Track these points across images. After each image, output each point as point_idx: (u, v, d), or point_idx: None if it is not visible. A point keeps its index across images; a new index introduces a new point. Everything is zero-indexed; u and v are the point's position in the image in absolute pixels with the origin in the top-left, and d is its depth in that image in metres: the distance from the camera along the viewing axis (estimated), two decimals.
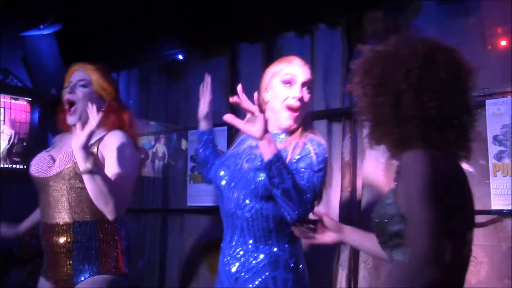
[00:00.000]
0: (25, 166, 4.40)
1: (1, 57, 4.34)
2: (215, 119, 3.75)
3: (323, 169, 1.97)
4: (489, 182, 2.62)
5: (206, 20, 3.62)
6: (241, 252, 1.95)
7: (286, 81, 1.99)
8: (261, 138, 1.78)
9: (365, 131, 1.65)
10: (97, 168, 1.99)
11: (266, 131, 1.79)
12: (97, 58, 4.39)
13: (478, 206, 2.55)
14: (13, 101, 4.38)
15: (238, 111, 3.62)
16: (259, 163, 1.93)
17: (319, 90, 3.27)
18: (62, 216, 2.17)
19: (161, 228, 4.01)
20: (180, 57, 4.08)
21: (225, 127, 3.64)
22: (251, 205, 1.93)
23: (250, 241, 1.94)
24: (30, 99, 4.48)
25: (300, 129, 2.03)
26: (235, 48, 3.71)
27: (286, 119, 1.99)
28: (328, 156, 2.02)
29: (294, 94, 1.96)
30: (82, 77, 2.35)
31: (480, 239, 2.66)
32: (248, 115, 1.98)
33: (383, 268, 2.69)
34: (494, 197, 2.61)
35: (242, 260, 1.94)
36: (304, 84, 1.99)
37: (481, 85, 2.69)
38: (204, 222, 3.76)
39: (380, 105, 1.46)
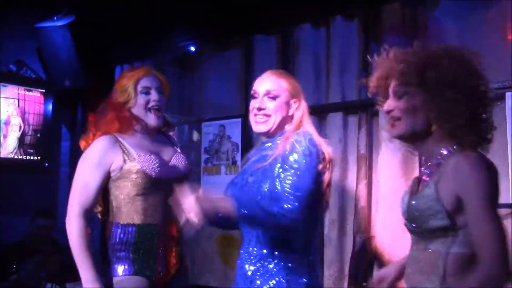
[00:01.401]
0: (38, 157, 4.44)
1: (15, 48, 4.36)
2: (230, 111, 3.78)
3: (317, 160, 1.96)
4: (509, 176, 2.60)
5: (221, 11, 3.61)
6: (257, 257, 1.99)
7: (252, 96, 2.16)
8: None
9: (397, 129, 1.66)
10: None
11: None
12: (110, 49, 4.43)
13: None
14: (27, 92, 4.39)
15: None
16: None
17: (335, 83, 3.26)
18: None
19: None
20: (193, 48, 4.07)
21: (240, 119, 3.64)
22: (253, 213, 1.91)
23: (265, 248, 1.98)
24: (44, 91, 4.49)
25: (289, 130, 2.08)
26: (250, 40, 3.69)
27: (254, 126, 2.13)
28: (319, 147, 1.99)
29: (255, 105, 2.10)
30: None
31: None
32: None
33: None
34: None
35: (258, 265, 1.98)
36: (265, 94, 2.09)
37: (501, 77, 2.68)
38: None
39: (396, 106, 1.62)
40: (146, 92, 2.28)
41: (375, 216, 3.04)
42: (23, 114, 4.36)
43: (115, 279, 2.20)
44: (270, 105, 2.08)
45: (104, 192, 2.26)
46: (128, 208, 2.23)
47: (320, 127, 3.26)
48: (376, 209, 3.04)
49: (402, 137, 1.68)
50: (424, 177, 1.67)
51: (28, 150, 4.39)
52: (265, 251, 1.97)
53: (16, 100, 4.32)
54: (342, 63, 3.25)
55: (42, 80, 4.51)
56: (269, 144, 2.09)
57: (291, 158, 1.93)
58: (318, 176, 1.96)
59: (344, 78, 3.24)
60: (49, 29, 4.19)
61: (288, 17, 3.47)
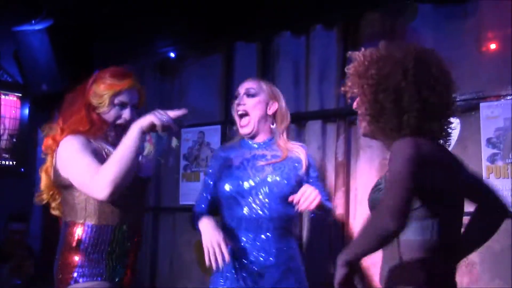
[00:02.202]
0: (14, 162, 4.37)
1: None
2: (209, 118, 3.78)
3: None
4: None
5: (202, 18, 3.62)
6: (266, 250, 2.20)
7: (235, 97, 2.38)
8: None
9: (362, 127, 1.74)
10: None
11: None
12: (89, 54, 4.40)
13: (471, 207, 2.61)
14: (3, 96, 4.33)
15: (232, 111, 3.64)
16: (274, 175, 2.25)
17: (314, 91, 3.29)
18: None
19: (152, 226, 3.99)
20: (172, 54, 4.06)
21: (219, 126, 3.64)
22: (276, 207, 2.21)
23: (273, 239, 2.21)
24: (20, 95, 4.42)
25: (281, 140, 2.34)
26: (231, 46, 3.70)
27: (240, 130, 2.35)
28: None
29: (238, 101, 2.32)
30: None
31: None
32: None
33: None
34: None
35: (266, 257, 2.20)
36: (246, 92, 2.32)
37: (476, 88, 2.74)
38: None
39: (381, 101, 1.62)
40: (121, 106, 2.15)
41: (352, 223, 3.07)
42: None
43: (82, 285, 2.03)
44: (248, 101, 2.30)
45: (72, 190, 2.08)
46: (105, 209, 2.06)
47: (299, 135, 3.29)
48: (354, 216, 3.07)
49: (364, 135, 1.75)
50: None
51: (4, 154, 4.32)
52: (272, 243, 2.22)
53: None
54: (322, 71, 3.28)
55: (18, 84, 4.44)
56: (261, 144, 2.33)
57: (313, 173, 2.32)
58: None
59: (323, 86, 3.27)
60: (27, 32, 4.13)
61: (269, 25, 3.49)
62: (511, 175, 2.62)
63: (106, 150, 2.14)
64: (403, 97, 1.60)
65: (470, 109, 2.76)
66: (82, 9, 4.04)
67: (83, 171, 1.99)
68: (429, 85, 1.60)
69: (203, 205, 2.35)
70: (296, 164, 2.28)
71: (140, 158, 2.15)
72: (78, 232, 2.06)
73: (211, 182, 2.36)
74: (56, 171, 2.10)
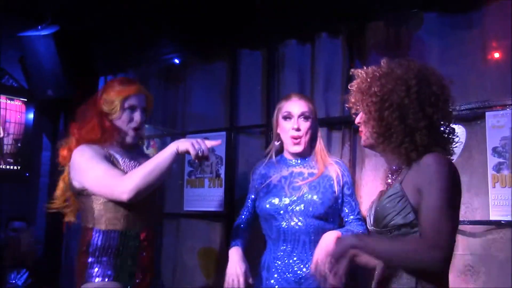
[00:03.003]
0: (19, 167, 4.38)
1: None
2: (214, 124, 3.78)
3: None
4: (488, 193, 2.66)
5: (207, 24, 3.63)
6: (304, 262, 2.36)
7: (284, 117, 2.50)
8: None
9: (364, 139, 1.82)
10: None
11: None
12: (94, 59, 4.41)
13: (476, 216, 2.62)
14: (8, 101, 4.34)
15: (237, 118, 3.65)
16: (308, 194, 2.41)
17: (319, 99, 3.29)
18: None
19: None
20: (177, 61, 4.07)
21: (224, 132, 3.65)
22: (312, 223, 2.37)
23: (310, 251, 2.35)
24: (26, 100, 4.44)
25: (320, 154, 2.51)
26: (236, 53, 3.70)
27: (291, 147, 2.49)
28: None
29: (294, 125, 2.46)
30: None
31: (478, 248, 2.70)
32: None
33: None
34: (492, 207, 2.64)
35: (304, 269, 2.35)
36: (301, 115, 2.46)
37: (481, 97, 2.74)
38: (200, 227, 3.75)
39: (387, 118, 1.65)
40: (132, 109, 2.34)
41: None
42: (4, 123, 4.30)
43: (93, 284, 2.19)
44: (303, 125, 2.46)
45: (83, 197, 2.25)
46: (110, 215, 2.22)
47: None
48: None
49: (366, 147, 1.84)
50: (388, 183, 1.84)
51: (8, 159, 4.33)
52: (311, 256, 2.35)
53: None
54: (327, 79, 3.28)
55: (24, 89, 4.46)
56: (298, 162, 2.51)
57: (347, 190, 2.48)
58: None
59: (328, 94, 3.28)
60: (33, 38, 4.16)
61: (274, 32, 3.50)
62: None
63: (113, 158, 2.21)
64: (408, 114, 1.63)
65: (475, 118, 2.76)
66: (88, 15, 4.06)
67: (103, 175, 2.14)
68: (431, 102, 1.64)
69: (243, 216, 2.64)
70: (332, 182, 2.42)
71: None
72: (88, 236, 2.23)
73: (253, 196, 2.61)
74: (69, 179, 2.26)
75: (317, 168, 2.46)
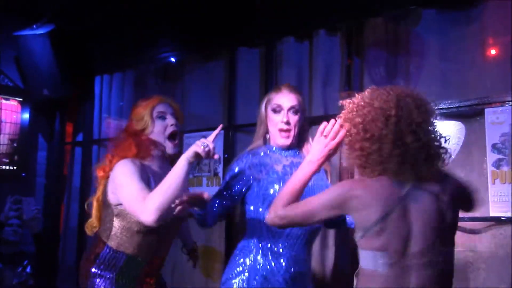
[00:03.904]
0: (15, 167, 4.36)
1: None
2: (212, 123, 3.76)
3: None
4: (488, 190, 2.66)
5: (204, 23, 3.62)
6: (293, 262, 2.29)
7: (274, 110, 2.41)
8: None
9: (346, 162, 2.00)
10: None
11: None
12: (91, 59, 4.39)
13: (476, 213, 2.61)
14: (3, 101, 4.32)
15: (235, 116, 3.64)
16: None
17: (318, 96, 3.28)
18: None
19: None
20: (173, 59, 4.06)
21: (222, 131, 3.62)
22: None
23: (302, 252, 2.31)
24: (21, 100, 4.42)
25: (305, 146, 2.45)
26: (234, 51, 3.69)
27: (279, 140, 2.40)
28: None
29: (283, 119, 2.37)
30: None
31: (478, 245, 2.70)
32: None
33: None
34: (492, 204, 2.64)
35: (295, 269, 2.29)
36: (290, 109, 2.38)
37: (480, 94, 2.74)
38: (197, 226, 3.72)
39: (366, 150, 1.70)
40: (162, 117, 2.36)
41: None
42: None
43: None
44: (292, 119, 2.39)
45: (110, 210, 2.28)
46: (124, 239, 2.28)
47: None
48: None
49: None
50: None
51: (4, 159, 4.31)
52: (301, 256, 2.33)
53: None
54: (325, 76, 3.27)
55: (19, 88, 4.44)
56: (290, 153, 2.42)
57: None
58: None
59: (326, 91, 3.27)
60: (28, 37, 4.14)
61: (272, 30, 3.49)
62: None
63: (149, 175, 2.28)
64: (385, 145, 1.66)
65: (475, 115, 2.76)
66: (84, 14, 4.04)
67: (134, 196, 2.14)
68: (410, 130, 1.66)
69: (216, 204, 2.35)
70: (325, 175, 2.43)
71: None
72: (99, 248, 2.31)
73: (244, 189, 2.38)
74: (105, 190, 2.29)
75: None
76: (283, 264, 2.27)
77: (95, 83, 4.47)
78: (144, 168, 2.25)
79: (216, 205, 2.35)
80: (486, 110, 2.71)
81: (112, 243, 2.27)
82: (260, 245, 2.31)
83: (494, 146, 2.68)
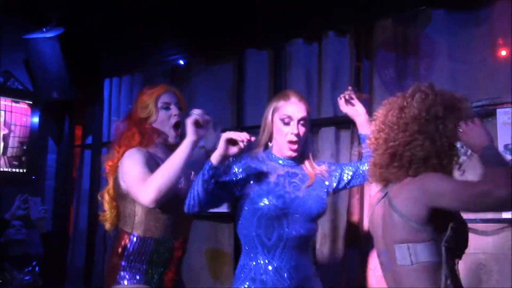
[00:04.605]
0: (25, 170, 4.38)
1: (2, 59, 4.31)
2: (221, 125, 3.76)
3: None
4: None
5: (213, 25, 3.62)
6: (295, 272, 2.20)
7: (283, 120, 2.30)
8: None
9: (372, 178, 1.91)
10: None
11: None
12: (99, 61, 4.41)
13: (488, 214, 2.59)
14: (13, 104, 4.35)
15: (243, 118, 3.64)
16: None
17: (327, 98, 3.28)
18: None
19: None
20: (182, 62, 4.06)
21: None
22: (307, 225, 2.23)
23: (301, 259, 2.23)
24: (31, 102, 4.44)
25: (308, 155, 2.38)
26: (242, 54, 3.69)
27: (287, 151, 2.31)
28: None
29: (293, 131, 2.28)
30: None
31: (490, 247, 2.67)
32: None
33: None
34: None
35: (296, 272, 2.20)
36: (300, 120, 2.29)
37: (492, 95, 2.72)
38: (206, 228, 3.73)
39: (395, 148, 1.76)
40: (166, 107, 2.41)
41: (367, 230, 3.04)
42: (9, 126, 4.30)
43: (123, 287, 2.28)
44: (301, 130, 2.31)
45: (127, 202, 2.32)
46: (151, 223, 2.30)
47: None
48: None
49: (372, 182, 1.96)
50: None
51: (14, 162, 4.33)
52: (302, 258, 2.25)
53: (3, 112, 4.26)
54: (334, 78, 3.26)
55: (29, 91, 4.47)
56: (289, 162, 2.31)
57: (338, 170, 2.39)
58: None
59: (336, 93, 3.24)
60: (38, 40, 4.16)
61: (281, 32, 3.48)
62: None
63: (158, 162, 2.32)
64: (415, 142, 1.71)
65: (486, 115, 2.73)
66: (93, 17, 4.06)
67: (136, 178, 2.22)
68: (437, 128, 1.72)
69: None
70: (326, 183, 2.35)
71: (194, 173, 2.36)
72: (125, 240, 2.32)
73: (235, 188, 2.26)
74: (117, 180, 2.34)
75: (307, 169, 2.34)
76: (286, 276, 2.18)
77: (104, 86, 4.48)
78: (151, 155, 2.32)
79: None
80: (497, 110, 2.69)
81: (138, 231, 2.30)
82: (258, 262, 2.20)
83: (506, 147, 2.66)
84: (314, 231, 2.30)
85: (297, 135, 2.27)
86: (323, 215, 2.32)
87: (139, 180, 2.20)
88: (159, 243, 2.31)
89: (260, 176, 2.28)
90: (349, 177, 2.37)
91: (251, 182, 2.26)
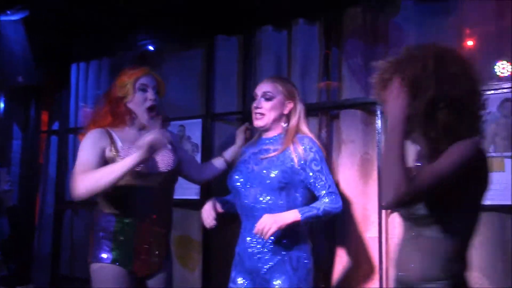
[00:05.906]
0: None
1: None
2: (190, 111, 3.74)
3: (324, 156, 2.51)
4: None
5: (183, 10, 3.57)
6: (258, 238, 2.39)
7: (253, 97, 2.60)
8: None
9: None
10: None
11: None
12: (67, 46, 4.32)
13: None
14: None
15: (213, 105, 3.62)
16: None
17: (296, 85, 3.25)
18: None
19: None
20: (150, 47, 4.01)
21: (200, 120, 3.61)
22: (268, 197, 2.40)
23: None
24: None
25: (289, 131, 2.52)
26: (212, 40, 3.65)
27: (254, 122, 2.58)
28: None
29: (254, 104, 2.56)
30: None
31: None
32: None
33: None
34: None
35: (263, 243, 2.39)
36: (263, 95, 2.53)
37: None
38: (176, 215, 3.70)
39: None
40: (144, 89, 2.49)
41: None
42: None
43: (95, 265, 2.39)
44: (265, 105, 2.52)
45: None
46: (110, 198, 2.38)
47: None
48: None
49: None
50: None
51: None
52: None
53: None
54: (304, 65, 3.26)
55: None
56: (270, 140, 2.54)
57: (315, 166, 2.43)
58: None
59: (305, 80, 3.26)
60: (2, 23, 4.05)
61: (250, 19, 3.46)
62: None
63: (113, 146, 2.38)
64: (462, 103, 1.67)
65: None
66: (61, 1, 3.96)
67: (77, 166, 2.30)
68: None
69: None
70: (293, 157, 2.43)
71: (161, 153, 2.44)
72: (95, 217, 2.49)
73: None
74: None
75: (282, 145, 2.49)
76: (247, 246, 2.45)
77: (71, 70, 4.40)
78: (106, 141, 2.38)
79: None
80: None
81: (102, 207, 2.43)
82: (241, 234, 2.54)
83: None
84: (274, 203, 2.39)
85: (257, 107, 2.53)
86: (285, 186, 2.39)
87: (79, 169, 2.28)
88: (120, 221, 2.39)
89: (240, 158, 2.62)
90: (310, 186, 2.46)
91: (236, 164, 2.61)
